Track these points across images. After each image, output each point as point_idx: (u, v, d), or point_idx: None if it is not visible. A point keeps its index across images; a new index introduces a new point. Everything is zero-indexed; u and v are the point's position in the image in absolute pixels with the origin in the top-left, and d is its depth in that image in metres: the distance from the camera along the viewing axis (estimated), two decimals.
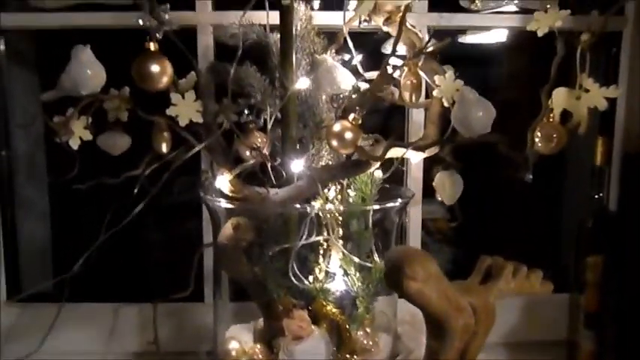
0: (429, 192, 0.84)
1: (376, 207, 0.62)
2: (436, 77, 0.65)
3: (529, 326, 0.92)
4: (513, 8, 0.89)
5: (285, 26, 0.60)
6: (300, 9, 0.70)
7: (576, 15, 0.85)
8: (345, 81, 0.67)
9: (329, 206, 0.61)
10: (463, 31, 0.90)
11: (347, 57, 0.73)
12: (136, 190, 0.68)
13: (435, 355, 0.47)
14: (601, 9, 0.88)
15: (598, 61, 0.92)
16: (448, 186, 0.61)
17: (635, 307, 0.84)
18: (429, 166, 0.74)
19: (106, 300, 0.91)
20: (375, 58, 0.79)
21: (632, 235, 0.86)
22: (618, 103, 0.90)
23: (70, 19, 0.85)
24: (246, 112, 0.63)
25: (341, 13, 0.72)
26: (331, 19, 0.80)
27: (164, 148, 0.67)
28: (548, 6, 0.61)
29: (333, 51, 0.74)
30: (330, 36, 0.76)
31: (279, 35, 0.67)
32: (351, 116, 0.60)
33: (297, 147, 0.67)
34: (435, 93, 0.66)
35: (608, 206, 0.91)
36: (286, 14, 0.60)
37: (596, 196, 0.88)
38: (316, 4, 0.87)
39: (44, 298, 0.87)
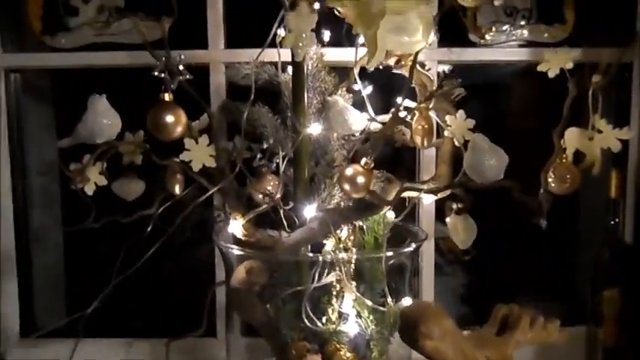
0: (441, 214, 0.85)
1: (390, 253, 0.62)
2: (447, 117, 0.66)
3: None
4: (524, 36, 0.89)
5: (297, 72, 0.60)
6: (312, 48, 0.71)
7: (586, 47, 0.87)
8: (357, 122, 0.67)
9: (341, 255, 0.60)
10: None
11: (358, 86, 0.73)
12: (149, 229, 0.68)
13: None
14: (612, 40, 0.89)
15: (609, 92, 0.91)
16: (461, 230, 0.61)
17: None
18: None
19: (119, 335, 0.91)
20: (386, 91, 0.80)
21: None
22: (633, 134, 0.89)
23: (86, 59, 0.87)
24: (258, 155, 0.63)
25: (350, 49, 0.73)
26: (342, 55, 0.81)
27: (177, 189, 0.68)
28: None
29: (344, 89, 0.75)
30: (341, 71, 0.77)
31: (290, 75, 0.68)
32: (363, 160, 0.60)
33: (309, 186, 0.67)
34: (446, 133, 0.67)
35: (624, 238, 0.90)
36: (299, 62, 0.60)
37: (612, 224, 0.87)
38: (326, 36, 0.88)
39: (57, 333, 0.87)
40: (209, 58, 0.86)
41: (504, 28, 0.87)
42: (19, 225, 0.93)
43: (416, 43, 0.55)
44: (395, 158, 0.92)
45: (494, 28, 0.87)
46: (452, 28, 0.86)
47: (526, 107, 1.00)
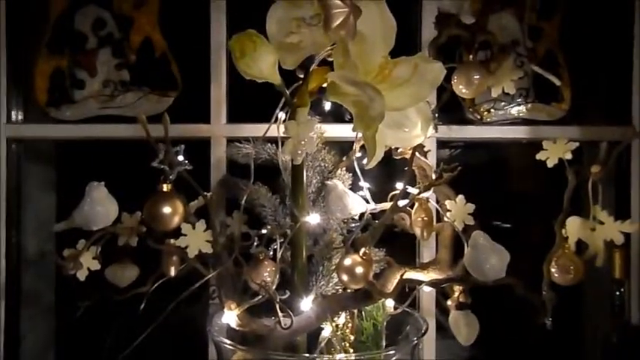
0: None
1: (389, 352, 0.60)
2: (447, 202, 0.65)
3: None
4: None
5: (295, 167, 0.60)
6: (314, 136, 0.71)
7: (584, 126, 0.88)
8: (356, 207, 0.67)
9: (339, 357, 0.58)
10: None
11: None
12: (142, 307, 0.67)
13: None
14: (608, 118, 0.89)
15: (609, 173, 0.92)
16: (463, 326, 0.59)
17: None
18: None
19: None
20: (386, 170, 0.80)
21: None
22: (632, 213, 0.89)
23: (89, 131, 0.88)
24: (255, 242, 0.63)
25: (350, 125, 0.74)
26: (343, 131, 0.81)
27: (172, 271, 0.67)
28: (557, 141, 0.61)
29: (344, 168, 0.75)
30: (341, 145, 0.77)
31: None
32: (362, 251, 0.59)
33: (307, 266, 0.66)
34: (446, 218, 0.66)
35: (630, 319, 0.88)
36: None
37: (618, 305, 0.85)
38: (327, 106, 0.89)
39: None
40: (211, 132, 0.87)
41: (502, 106, 0.88)
42: (10, 286, 0.90)
43: (415, 137, 0.56)
44: (393, 236, 0.91)
45: (492, 108, 0.88)
46: (450, 106, 0.87)
47: (527, 183, 1.00)
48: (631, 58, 0.89)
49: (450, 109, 0.88)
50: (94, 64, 0.88)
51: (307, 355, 0.60)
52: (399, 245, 0.87)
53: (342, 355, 0.60)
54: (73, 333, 1.02)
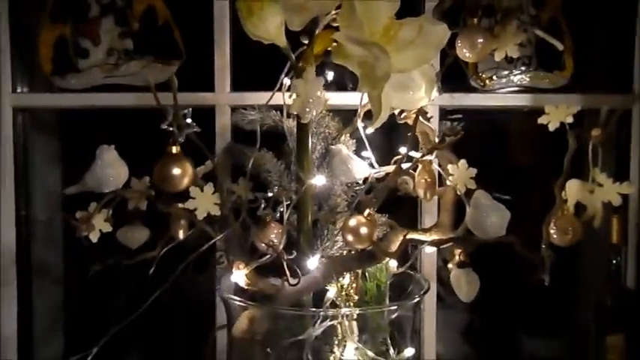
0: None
1: (393, 307, 0.62)
2: (449, 166, 0.67)
3: None
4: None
5: (301, 125, 0.61)
6: (322, 95, 0.72)
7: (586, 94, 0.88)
8: (360, 171, 0.68)
9: (344, 310, 0.60)
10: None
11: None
12: (151, 271, 0.68)
13: None
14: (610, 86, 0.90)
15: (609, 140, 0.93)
16: (464, 284, 0.61)
17: None
18: None
19: None
20: (389, 135, 0.81)
21: None
22: (632, 177, 0.90)
23: (94, 100, 0.88)
24: (262, 204, 0.64)
25: (353, 93, 0.74)
26: (346, 99, 0.82)
27: (181, 235, 0.68)
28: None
29: (348, 135, 0.76)
30: (345, 114, 0.78)
31: (294, 120, 0.69)
32: (367, 212, 0.61)
33: (312, 231, 0.67)
34: (448, 182, 0.67)
35: (626, 283, 0.90)
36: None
37: (614, 269, 0.87)
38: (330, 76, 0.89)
39: None
40: (215, 100, 0.88)
41: (505, 74, 0.88)
42: (21, 258, 0.92)
43: (419, 99, 0.56)
44: (396, 202, 0.93)
45: (495, 75, 0.88)
46: (453, 74, 0.87)
47: (528, 151, 1.01)
48: (633, 27, 0.90)
49: (453, 77, 0.88)
50: (98, 33, 0.88)
51: (314, 309, 0.62)
52: (401, 211, 0.89)
53: (347, 309, 0.61)
54: (82, 300, 1.05)
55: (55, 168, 1.04)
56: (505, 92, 0.90)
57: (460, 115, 0.78)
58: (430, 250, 0.68)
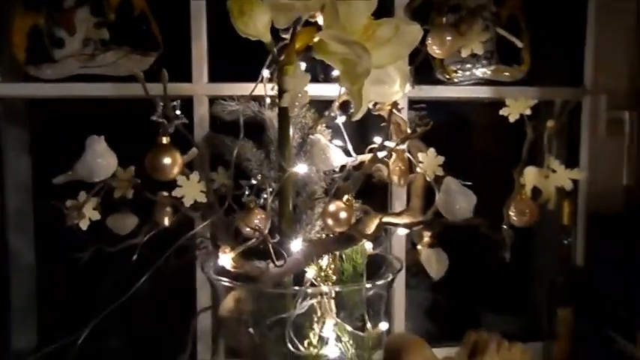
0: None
1: (368, 285, 0.67)
2: (419, 154, 0.72)
3: None
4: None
5: (282, 114, 0.65)
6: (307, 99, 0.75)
7: (542, 87, 0.96)
8: (337, 159, 0.73)
9: (324, 288, 0.65)
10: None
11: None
12: (134, 257, 0.71)
13: None
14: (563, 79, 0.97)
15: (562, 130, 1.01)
16: (434, 262, 0.66)
17: (602, 355, 0.91)
18: None
19: None
20: (363, 125, 0.85)
21: (598, 289, 0.93)
22: (581, 166, 0.98)
23: (70, 90, 0.89)
24: (247, 191, 0.68)
25: (327, 84, 0.78)
26: (320, 90, 0.85)
27: (166, 221, 0.71)
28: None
29: (324, 125, 0.80)
30: (318, 105, 0.82)
31: (274, 111, 0.73)
32: (345, 197, 0.65)
33: (295, 224, 0.72)
34: (418, 169, 0.73)
35: (575, 262, 0.99)
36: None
37: (564, 248, 0.96)
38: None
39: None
40: (193, 91, 0.90)
41: (468, 68, 0.94)
42: None
43: (394, 93, 0.61)
44: (368, 188, 0.98)
45: (459, 69, 0.94)
46: (421, 68, 0.93)
47: (489, 140, 1.08)
48: (585, 25, 0.97)
49: (421, 71, 0.94)
50: (73, 23, 0.88)
51: (296, 287, 0.66)
52: (373, 197, 0.94)
53: (326, 287, 0.66)
54: (56, 288, 1.05)
55: (25, 157, 1.04)
56: (468, 85, 0.95)
57: (424, 105, 0.84)
58: (402, 233, 0.73)
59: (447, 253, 0.72)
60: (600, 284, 0.92)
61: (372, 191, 0.96)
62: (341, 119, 0.74)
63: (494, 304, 1.07)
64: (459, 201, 0.59)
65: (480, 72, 0.95)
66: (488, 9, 0.94)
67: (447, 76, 0.94)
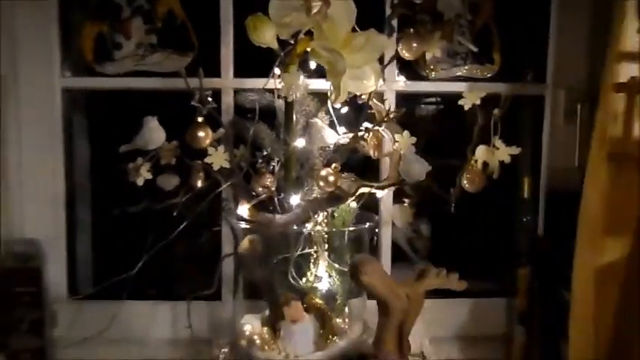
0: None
1: (350, 228, 0.88)
2: (396, 135, 0.93)
3: (475, 324, 1.17)
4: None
5: (287, 102, 0.86)
6: (301, 83, 0.96)
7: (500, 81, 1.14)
8: (330, 138, 0.94)
9: (317, 228, 0.87)
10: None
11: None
12: (175, 213, 0.94)
13: (382, 327, 0.73)
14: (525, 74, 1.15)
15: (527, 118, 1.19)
16: (399, 215, 0.87)
17: (556, 307, 1.09)
18: None
19: (145, 299, 1.16)
20: (354, 111, 1.05)
21: (553, 253, 1.11)
22: (543, 150, 1.17)
23: (126, 83, 1.12)
24: (259, 160, 0.90)
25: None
26: (323, 84, 1.06)
27: (199, 183, 0.94)
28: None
29: (324, 112, 1.01)
30: (322, 96, 1.03)
31: (283, 100, 0.94)
32: (333, 165, 0.87)
33: (296, 184, 0.93)
34: (395, 146, 0.93)
35: (537, 230, 1.17)
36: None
37: (525, 220, 1.14)
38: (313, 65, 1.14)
39: (94, 296, 1.12)
40: (221, 84, 1.12)
41: (447, 66, 1.14)
42: (67, 211, 1.18)
43: (369, 86, 0.82)
44: (366, 166, 1.18)
45: (439, 66, 1.13)
46: (407, 66, 1.13)
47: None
48: (547, 31, 1.15)
49: (407, 69, 1.14)
50: (129, 30, 1.12)
51: (295, 227, 0.88)
52: (367, 173, 1.14)
53: (319, 227, 0.87)
54: (108, 243, 1.29)
55: (85, 140, 1.28)
56: (447, 80, 1.15)
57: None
58: (380, 194, 0.93)
59: (433, 222, 0.91)
60: (554, 249, 1.10)
61: (368, 168, 1.16)
62: (334, 108, 0.95)
63: (466, 266, 1.26)
64: (414, 167, 0.79)
65: (457, 70, 1.14)
66: (464, 17, 1.13)
67: (428, 73, 1.14)
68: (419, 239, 1.21)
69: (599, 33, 1.07)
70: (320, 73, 1.13)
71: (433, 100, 1.26)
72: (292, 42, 0.82)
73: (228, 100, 1.12)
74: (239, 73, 1.14)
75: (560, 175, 1.15)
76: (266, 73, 0.93)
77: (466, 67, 1.15)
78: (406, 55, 0.88)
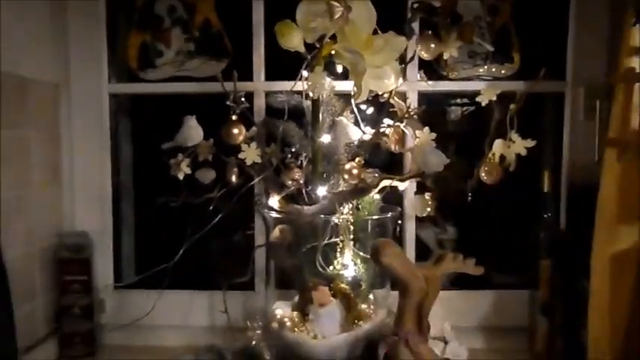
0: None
1: (375, 217, 0.94)
2: (417, 132, 0.98)
3: (498, 315, 1.21)
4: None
5: (314, 102, 0.93)
6: (326, 82, 1.03)
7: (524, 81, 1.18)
8: (354, 134, 1.00)
9: (343, 217, 0.93)
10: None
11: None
12: (211, 207, 1.02)
13: (402, 307, 0.79)
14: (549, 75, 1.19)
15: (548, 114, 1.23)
16: (419, 204, 0.93)
17: (577, 298, 1.12)
18: None
19: (183, 288, 1.25)
20: (377, 111, 1.11)
21: (574, 246, 1.13)
22: (564, 145, 1.20)
23: (168, 88, 1.22)
24: (289, 155, 0.97)
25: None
26: (348, 85, 1.12)
27: (234, 178, 1.02)
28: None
29: (349, 111, 1.07)
30: (347, 97, 1.09)
31: (310, 101, 1.01)
32: (357, 159, 0.93)
33: (323, 178, 1.00)
34: (416, 142, 0.99)
35: (558, 224, 1.20)
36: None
37: (546, 216, 1.17)
38: (339, 68, 1.20)
39: (136, 285, 1.21)
40: (254, 87, 1.20)
41: (467, 66, 1.19)
42: (114, 206, 1.28)
43: (389, 85, 0.88)
44: (389, 163, 1.23)
45: (459, 67, 1.18)
46: (429, 66, 1.18)
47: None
48: (567, 30, 1.19)
49: (430, 70, 1.19)
50: (169, 39, 1.21)
51: (322, 216, 0.94)
52: (393, 168, 1.20)
53: (347, 215, 0.93)
54: (149, 237, 1.39)
55: (128, 142, 1.39)
56: (467, 80, 1.20)
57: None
58: (402, 187, 0.99)
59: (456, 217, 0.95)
60: (576, 242, 1.13)
61: (394, 165, 1.22)
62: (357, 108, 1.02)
63: (490, 260, 1.30)
64: (431, 158, 0.85)
65: (477, 70, 1.19)
66: (483, 19, 1.18)
67: (450, 73, 1.19)
68: (446, 240, 1.26)
69: (618, 30, 1.10)
70: (345, 75, 1.21)
71: (458, 101, 1.31)
72: (318, 45, 0.90)
73: (260, 102, 1.20)
74: (270, 76, 1.22)
75: (581, 170, 1.18)
76: (294, 76, 0.99)
77: (486, 67, 1.19)
78: (424, 55, 0.93)
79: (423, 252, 1.24)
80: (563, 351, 1.13)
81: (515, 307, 1.20)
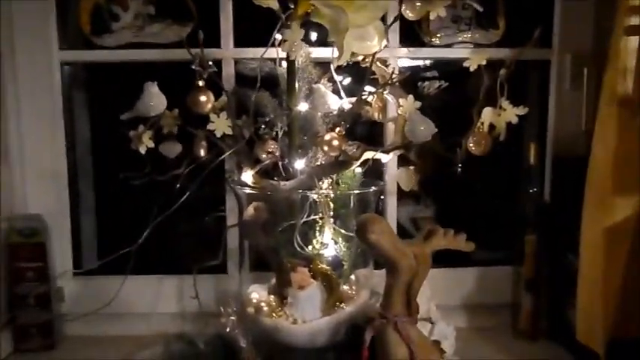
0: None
1: (356, 192, 0.87)
2: (400, 100, 0.91)
3: (482, 292, 1.17)
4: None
5: (290, 67, 0.85)
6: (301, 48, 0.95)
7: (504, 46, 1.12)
8: (334, 103, 0.92)
9: (322, 191, 0.85)
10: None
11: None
12: (178, 185, 0.93)
13: (390, 288, 0.72)
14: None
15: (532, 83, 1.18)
16: (404, 177, 0.86)
17: (562, 274, 1.09)
18: None
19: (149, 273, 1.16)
20: (357, 80, 1.04)
21: (560, 220, 1.10)
22: (549, 116, 1.15)
23: (125, 55, 1.11)
24: (263, 126, 0.88)
25: (330, 48, 0.97)
26: (325, 52, 1.04)
27: (202, 153, 0.93)
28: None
29: (326, 79, 0.99)
30: (324, 65, 1.01)
31: (285, 68, 0.93)
32: (337, 129, 0.85)
33: (299, 151, 0.92)
34: (399, 111, 0.92)
35: (543, 197, 1.16)
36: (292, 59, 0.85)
37: (531, 190, 1.13)
38: (314, 36, 1.12)
39: (99, 270, 1.12)
40: (222, 55, 1.10)
41: (450, 32, 1.12)
42: (70, 185, 1.17)
43: (372, 46, 0.80)
44: (370, 133, 1.17)
45: (442, 32, 1.12)
46: (410, 32, 1.11)
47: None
48: None
49: (410, 35, 1.12)
50: (126, 1, 1.10)
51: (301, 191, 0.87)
52: (374, 140, 1.13)
53: (326, 190, 0.86)
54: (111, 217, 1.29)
55: (85, 114, 1.27)
56: (450, 47, 1.13)
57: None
58: (385, 159, 0.92)
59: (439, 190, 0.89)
60: (561, 216, 1.09)
61: (373, 135, 1.15)
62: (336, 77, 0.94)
63: (473, 235, 1.26)
64: (419, 127, 0.78)
65: (460, 36, 1.13)
66: None
67: (431, 40, 1.12)
68: (422, 219, 1.21)
69: None
70: (321, 42, 1.13)
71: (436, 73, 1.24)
72: (292, 6, 0.81)
73: (229, 71, 1.11)
74: (239, 42, 1.12)
75: (567, 141, 1.14)
76: (266, 43, 0.91)
77: (470, 34, 1.13)
78: (410, 15, 0.86)
79: (403, 228, 1.19)
80: (548, 328, 1.10)
81: (499, 284, 1.17)
